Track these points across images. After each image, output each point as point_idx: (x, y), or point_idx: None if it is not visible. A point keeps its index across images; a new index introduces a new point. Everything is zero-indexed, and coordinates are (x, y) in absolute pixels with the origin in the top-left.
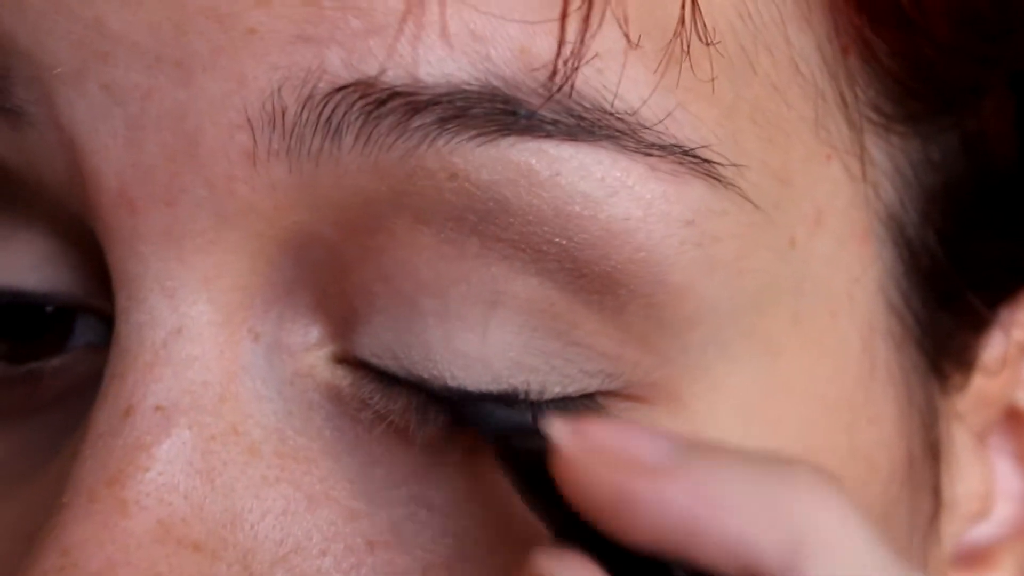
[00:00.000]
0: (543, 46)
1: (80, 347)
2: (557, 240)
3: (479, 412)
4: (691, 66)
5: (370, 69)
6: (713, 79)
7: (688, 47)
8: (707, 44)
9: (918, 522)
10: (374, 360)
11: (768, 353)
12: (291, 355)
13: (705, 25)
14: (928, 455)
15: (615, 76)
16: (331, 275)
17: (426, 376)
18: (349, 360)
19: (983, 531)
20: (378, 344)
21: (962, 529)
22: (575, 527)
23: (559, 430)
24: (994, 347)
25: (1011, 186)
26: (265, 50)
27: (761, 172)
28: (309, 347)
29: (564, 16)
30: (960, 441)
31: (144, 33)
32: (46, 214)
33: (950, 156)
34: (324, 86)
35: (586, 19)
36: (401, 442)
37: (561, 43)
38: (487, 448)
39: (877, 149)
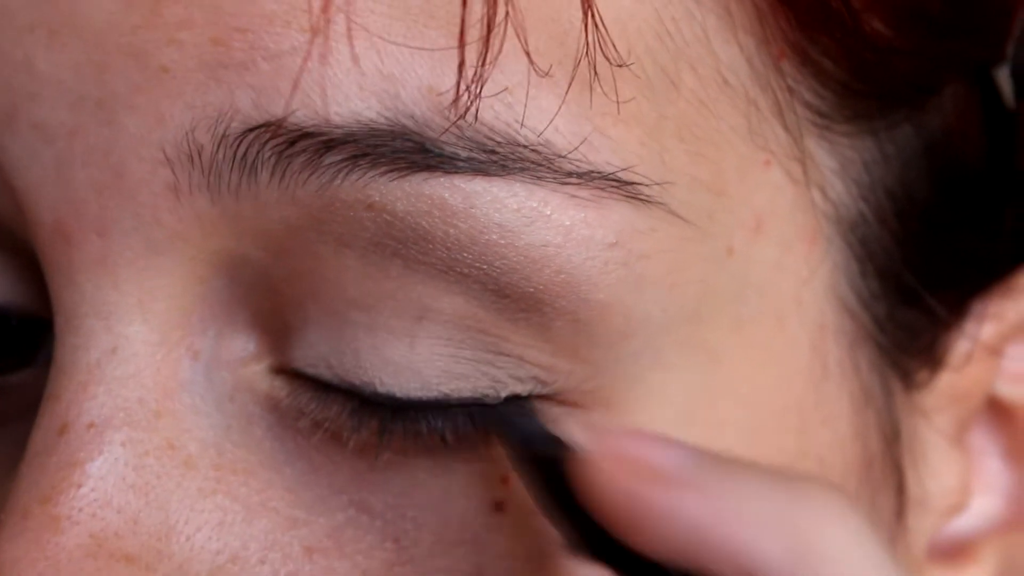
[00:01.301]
0: (449, 79)
1: (44, 363)
2: (477, 265)
3: (492, 416)
4: (603, 90)
5: (279, 110)
6: (631, 100)
7: (596, 71)
8: (618, 66)
9: (881, 520)
10: (309, 370)
11: (708, 360)
12: (230, 370)
13: (615, 48)
14: (889, 453)
15: (522, 106)
16: (263, 293)
17: (357, 383)
18: (286, 371)
19: (963, 524)
20: (312, 354)
21: (937, 524)
22: (591, 535)
23: (579, 436)
24: (966, 342)
25: (979, 181)
26: (179, 89)
27: (690, 187)
28: (247, 361)
29: (463, 38)
30: (930, 437)
31: (68, 73)
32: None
33: (908, 153)
34: (236, 126)
35: (485, 42)
36: (337, 447)
37: (461, 66)
38: (418, 451)
39: (821, 150)
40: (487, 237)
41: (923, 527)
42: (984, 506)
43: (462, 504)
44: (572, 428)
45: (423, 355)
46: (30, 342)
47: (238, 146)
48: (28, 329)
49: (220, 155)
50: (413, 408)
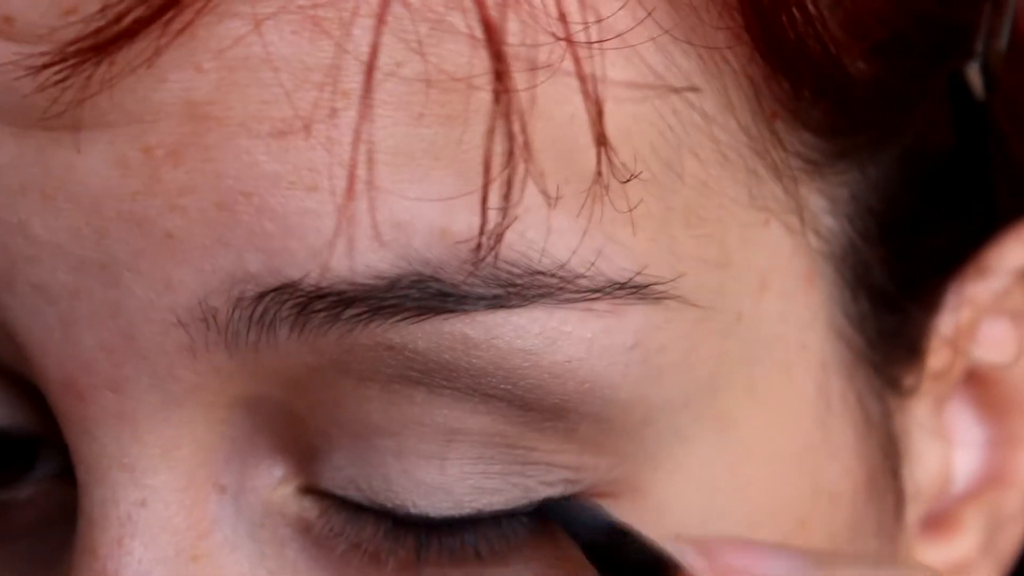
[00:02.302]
0: (463, 222)
1: (48, 477)
2: (502, 387)
3: (564, 512)
4: (612, 201)
5: (294, 273)
6: (637, 205)
7: (608, 189)
8: (627, 180)
9: (884, 523)
10: (339, 491)
11: (725, 427)
12: (258, 496)
13: (623, 163)
14: (888, 465)
15: (538, 234)
16: (285, 423)
17: (389, 505)
18: (315, 491)
19: (945, 495)
20: (340, 477)
21: (925, 507)
22: None
23: (685, 550)
24: (945, 327)
25: (948, 172)
26: (186, 255)
27: (699, 270)
28: (275, 485)
29: (486, 189)
30: (916, 430)
31: (66, 237)
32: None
33: (887, 167)
34: (251, 289)
35: (508, 187)
36: (375, 567)
37: (484, 216)
38: (454, 565)
39: (813, 195)
40: (510, 363)
41: (915, 514)
42: (961, 471)
43: None
44: (665, 542)
45: (454, 475)
46: (27, 456)
47: (254, 308)
48: (24, 444)
49: (236, 316)
50: (447, 525)
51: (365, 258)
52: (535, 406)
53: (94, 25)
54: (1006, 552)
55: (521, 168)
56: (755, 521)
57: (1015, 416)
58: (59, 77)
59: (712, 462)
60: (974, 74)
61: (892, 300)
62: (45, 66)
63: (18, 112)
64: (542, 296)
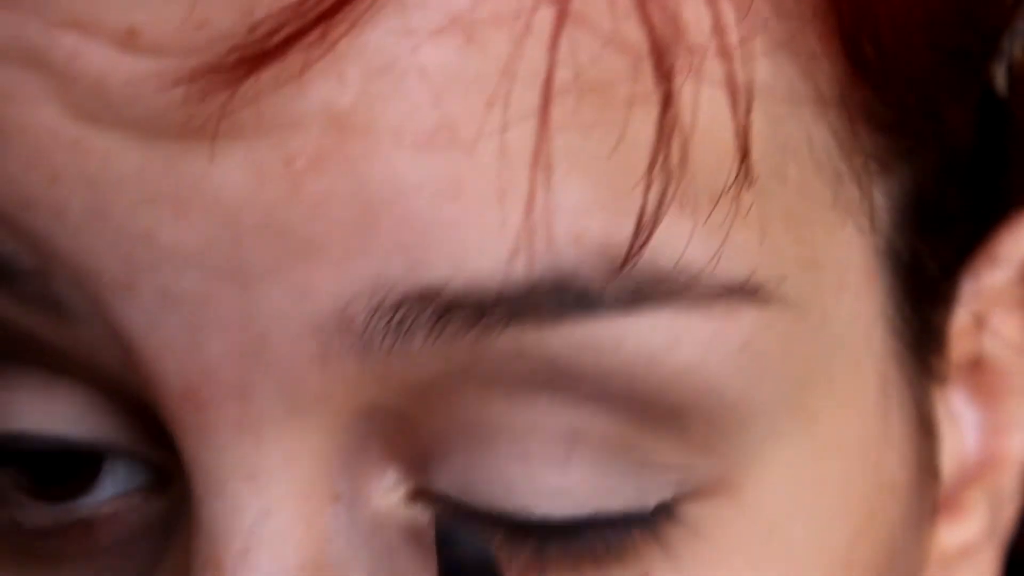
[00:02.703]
0: (599, 228)
1: (130, 492)
2: (625, 390)
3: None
4: (738, 208)
5: (435, 279)
6: (751, 208)
7: (739, 197)
8: (751, 187)
9: (927, 511)
10: (453, 495)
11: (809, 423)
12: (368, 504)
13: (750, 171)
14: (931, 451)
15: (670, 240)
16: (399, 429)
17: (510, 509)
18: (426, 494)
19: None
20: (457, 481)
21: (943, 490)
22: None
23: None
24: (959, 318)
25: (969, 171)
26: (326, 263)
27: (797, 271)
28: (386, 491)
29: (645, 201)
30: (943, 421)
31: (197, 245)
32: (87, 372)
33: (928, 162)
34: (391, 296)
35: (660, 202)
36: None
37: (639, 229)
38: (571, 569)
39: (879, 195)
40: (635, 366)
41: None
42: (961, 456)
43: None
44: None
45: (575, 478)
46: (91, 468)
47: (393, 314)
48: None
49: (373, 323)
50: (566, 528)
51: (504, 264)
52: (653, 408)
53: (235, 41)
54: (1005, 532)
55: (674, 183)
56: (832, 516)
57: (1007, 399)
58: (198, 94)
59: (798, 458)
60: (1000, 72)
61: (932, 291)
62: (188, 79)
63: (146, 121)
64: (669, 300)
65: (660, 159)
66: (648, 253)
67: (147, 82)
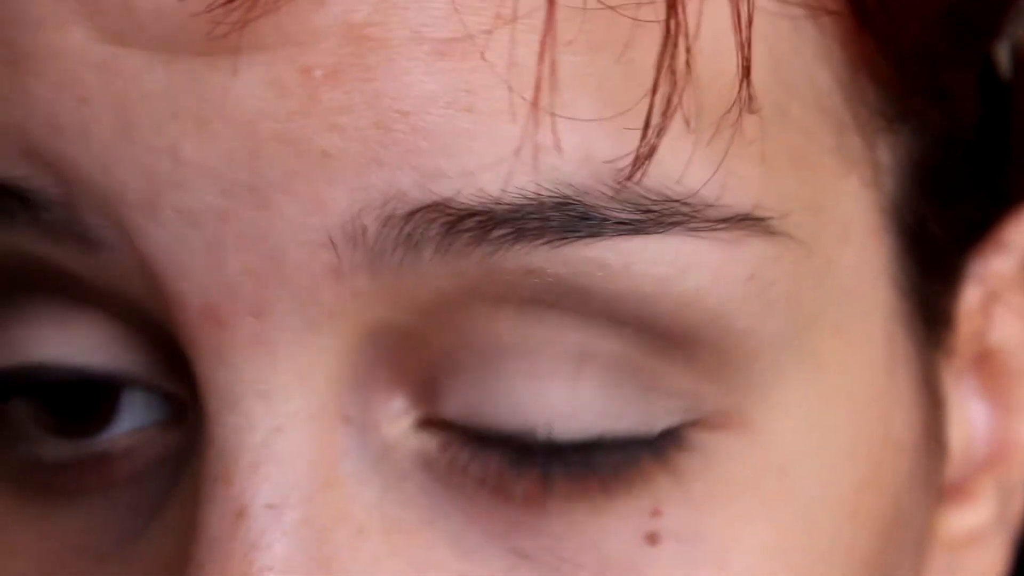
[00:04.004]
0: (606, 146)
1: (146, 426)
2: (633, 313)
3: None
4: (737, 134)
5: (445, 191)
6: (756, 139)
7: (741, 119)
8: (755, 112)
9: (932, 481)
10: (460, 419)
11: (817, 368)
12: (378, 430)
13: (755, 96)
14: (937, 418)
15: (675, 163)
16: (409, 350)
17: (515, 429)
18: (435, 423)
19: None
20: (465, 403)
21: (952, 472)
22: None
23: None
24: (968, 300)
25: (975, 149)
26: (340, 174)
27: (801, 211)
28: (395, 416)
29: (649, 115)
30: (951, 395)
31: (218, 159)
32: (107, 300)
33: (933, 132)
34: (402, 208)
35: (664, 118)
36: (498, 498)
37: (644, 138)
38: (577, 493)
39: (883, 151)
40: (644, 289)
41: (947, 477)
42: (975, 445)
43: (617, 541)
44: None
45: (584, 398)
46: (109, 403)
47: (403, 226)
48: (107, 390)
49: (384, 234)
50: (572, 451)
51: (516, 179)
52: (662, 332)
53: None
54: (1013, 521)
55: (679, 92)
56: (840, 462)
57: (1017, 389)
58: (220, 7)
59: (806, 401)
60: (1003, 53)
61: (938, 260)
62: None
63: (171, 39)
64: (676, 224)
65: (666, 64)
66: (654, 177)
67: (173, 2)
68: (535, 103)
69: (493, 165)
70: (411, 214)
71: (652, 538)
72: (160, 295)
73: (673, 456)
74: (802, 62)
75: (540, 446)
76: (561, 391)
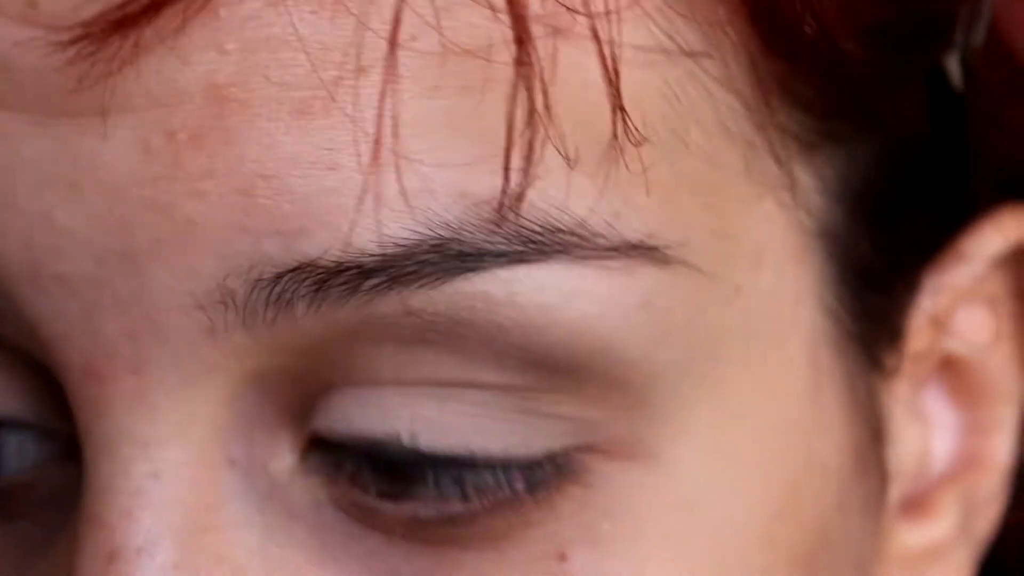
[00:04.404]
0: (484, 184)
1: (46, 462)
2: (518, 344)
3: None
4: (626, 164)
5: (312, 251)
6: (648, 169)
7: (622, 151)
8: (638, 144)
9: (870, 504)
10: (335, 430)
11: (724, 396)
12: (264, 470)
13: (636, 128)
14: (873, 441)
15: (558, 193)
16: (291, 387)
17: (381, 436)
18: (315, 445)
19: (922, 479)
20: (337, 415)
21: (905, 488)
22: None
23: None
24: (921, 312)
25: (925, 164)
26: (205, 242)
27: (703, 238)
28: (280, 455)
29: (508, 153)
30: (897, 411)
31: (89, 226)
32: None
33: (871, 150)
34: (269, 271)
35: (529, 153)
36: (385, 536)
37: (507, 178)
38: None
39: (804, 173)
40: (529, 319)
41: (895, 494)
42: (937, 455)
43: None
44: None
45: (454, 415)
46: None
47: (272, 288)
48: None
49: (254, 296)
50: (438, 463)
51: (387, 227)
52: (547, 364)
53: (118, 1)
54: (981, 536)
55: (542, 131)
56: (751, 490)
57: (989, 402)
58: (86, 52)
59: (711, 428)
60: (953, 65)
61: (876, 280)
62: (71, 42)
63: (44, 100)
64: (560, 252)
65: (517, 106)
66: (538, 208)
67: (46, 59)
68: (376, 154)
69: (360, 219)
70: (279, 276)
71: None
72: (47, 357)
73: (554, 481)
74: (701, 88)
75: (406, 455)
76: (430, 406)
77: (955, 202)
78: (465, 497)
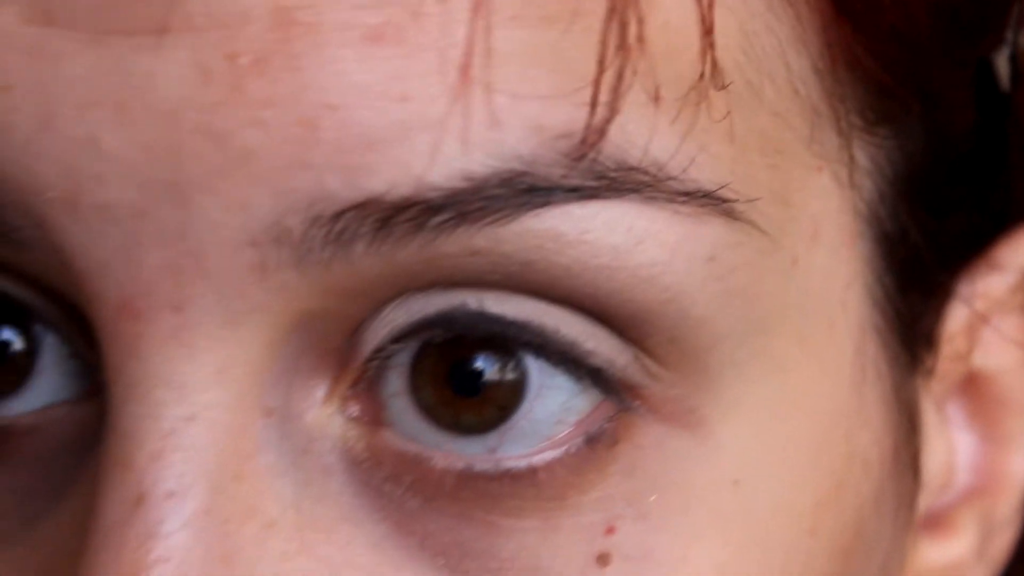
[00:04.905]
0: (560, 117)
1: (57, 403)
2: (586, 291)
3: None
4: (707, 109)
5: (377, 187)
6: (726, 117)
7: (706, 95)
8: (722, 88)
9: (902, 507)
10: (395, 324)
11: (778, 372)
12: (301, 420)
13: (721, 72)
14: (909, 441)
15: (638, 131)
16: (337, 334)
17: (445, 307)
18: (358, 393)
19: (942, 496)
20: (391, 315)
21: (930, 501)
22: None
23: None
24: (953, 320)
25: (967, 161)
26: (263, 174)
27: (768, 199)
28: (317, 405)
29: (598, 84)
30: (931, 415)
31: (138, 152)
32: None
33: (920, 141)
34: (330, 208)
35: (617, 84)
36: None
37: (593, 111)
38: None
39: (861, 152)
40: (599, 260)
41: (922, 505)
42: (957, 473)
43: (566, 563)
44: None
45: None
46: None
47: (332, 226)
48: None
49: (312, 234)
50: (512, 337)
51: (456, 161)
52: (613, 312)
53: None
54: (997, 558)
55: (632, 63)
56: (799, 476)
57: (1007, 418)
58: None
59: (765, 406)
60: (1002, 63)
61: (920, 276)
62: None
63: (96, 15)
64: (632, 191)
65: (611, 37)
66: (615, 144)
67: None
68: (462, 84)
69: (428, 152)
70: (340, 214)
71: (603, 559)
72: (79, 291)
73: (621, 445)
74: (776, 43)
75: (476, 317)
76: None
77: (995, 208)
78: (532, 473)
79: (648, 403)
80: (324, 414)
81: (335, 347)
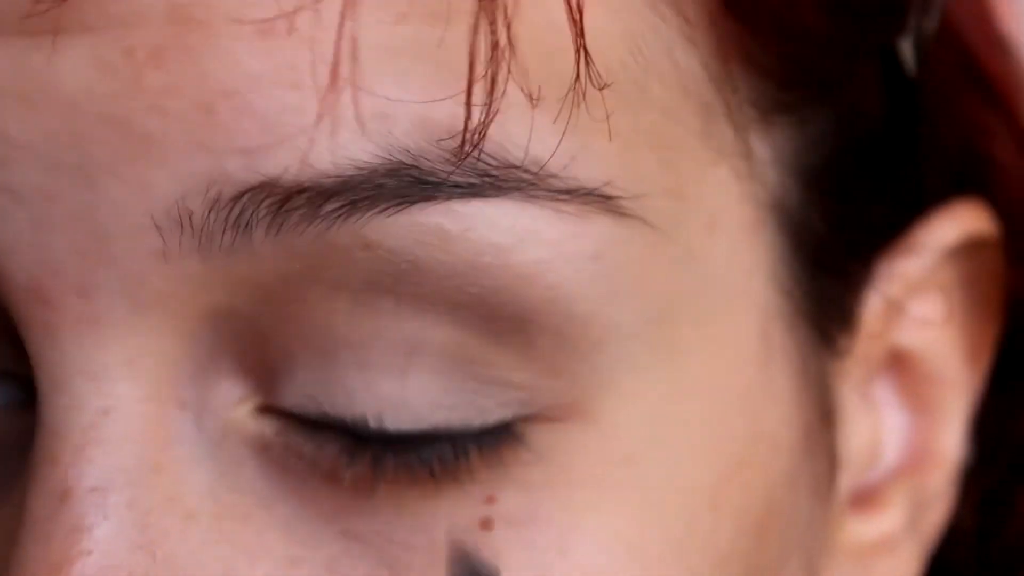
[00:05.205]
0: (445, 113)
1: (3, 407)
2: (470, 290)
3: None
4: (587, 108)
5: (272, 170)
6: (609, 116)
7: (584, 95)
8: (601, 88)
9: (820, 486)
10: (297, 409)
11: (672, 360)
12: (217, 415)
13: (599, 72)
14: (823, 421)
15: (518, 129)
16: (249, 339)
17: (348, 420)
18: (274, 410)
19: (871, 473)
20: (301, 394)
21: (854, 479)
22: None
23: None
24: (872, 302)
25: (879, 148)
26: (164, 158)
27: (659, 195)
28: (234, 404)
29: (470, 88)
30: (848, 397)
31: (42, 138)
32: None
33: (825, 130)
34: (228, 191)
35: (491, 88)
36: (330, 484)
37: (468, 114)
38: (408, 482)
39: (759, 143)
40: (481, 259)
41: (845, 483)
42: (887, 449)
43: (449, 524)
44: None
45: (414, 389)
46: None
47: (231, 209)
48: None
49: (211, 218)
50: (404, 441)
51: (346, 149)
52: (499, 313)
53: None
54: (930, 531)
55: (505, 65)
56: (696, 453)
57: (939, 396)
58: None
59: (657, 394)
60: (907, 49)
61: (829, 261)
62: None
63: None
64: (515, 189)
65: (479, 41)
66: (497, 142)
67: None
68: (333, 77)
69: (319, 138)
70: (238, 196)
71: (486, 523)
72: None
73: (506, 451)
74: (662, 43)
75: (372, 435)
76: (391, 383)
77: (909, 191)
78: (431, 473)
79: (541, 414)
80: (239, 411)
81: (255, 362)
